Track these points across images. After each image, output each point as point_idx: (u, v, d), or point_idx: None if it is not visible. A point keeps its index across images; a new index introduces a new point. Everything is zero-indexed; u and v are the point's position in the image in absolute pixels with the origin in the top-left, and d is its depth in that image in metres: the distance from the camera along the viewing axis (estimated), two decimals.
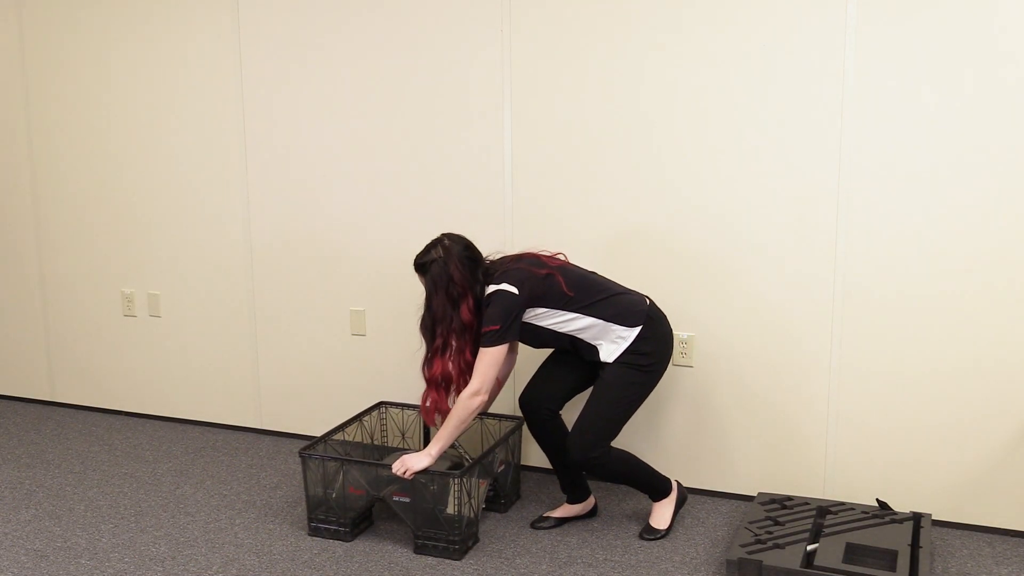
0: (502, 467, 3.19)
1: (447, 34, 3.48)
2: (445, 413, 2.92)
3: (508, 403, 3.63)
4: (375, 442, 3.52)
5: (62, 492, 3.46)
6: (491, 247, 3.48)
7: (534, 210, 3.46)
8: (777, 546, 2.76)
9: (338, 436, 3.29)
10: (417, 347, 3.72)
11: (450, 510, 2.86)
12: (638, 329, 2.88)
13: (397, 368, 3.80)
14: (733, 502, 3.34)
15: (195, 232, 4.07)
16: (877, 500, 3.06)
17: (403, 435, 3.56)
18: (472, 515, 2.95)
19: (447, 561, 2.88)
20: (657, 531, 3.03)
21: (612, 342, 2.88)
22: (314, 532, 3.07)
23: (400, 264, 3.72)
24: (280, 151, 3.85)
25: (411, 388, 3.78)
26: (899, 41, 2.91)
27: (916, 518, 2.95)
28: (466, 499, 2.89)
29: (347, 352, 3.88)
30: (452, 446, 3.19)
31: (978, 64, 2.84)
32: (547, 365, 3.09)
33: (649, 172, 3.27)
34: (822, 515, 3.00)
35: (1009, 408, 2.97)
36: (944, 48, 2.87)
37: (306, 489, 3.04)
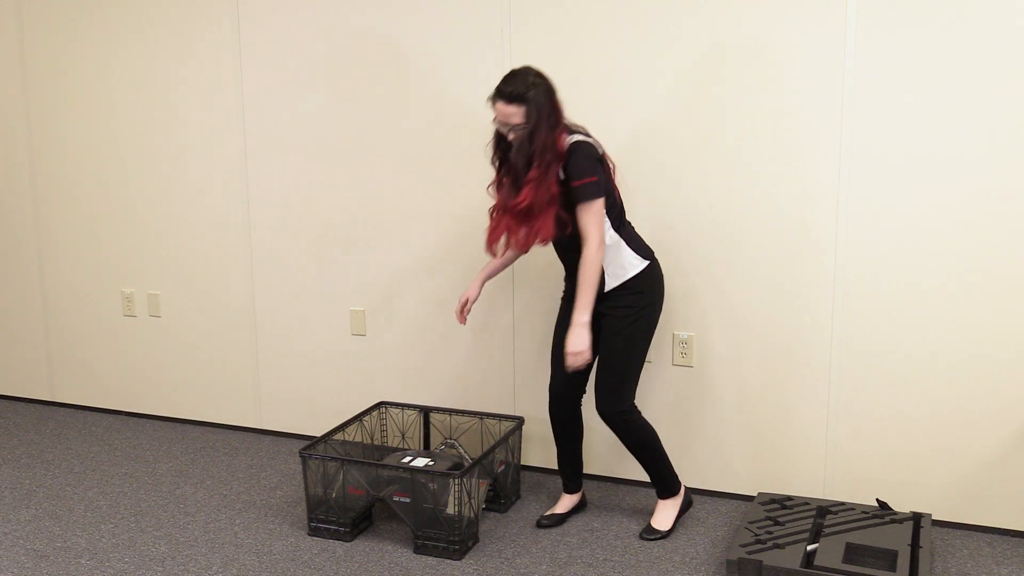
0: (502, 467, 3.19)
1: (448, 34, 3.48)
2: (509, 244, 2.89)
3: (508, 403, 3.63)
4: (375, 442, 3.52)
5: (62, 492, 3.46)
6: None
7: None
8: (777, 546, 2.76)
9: (338, 436, 3.29)
10: (417, 342, 3.72)
11: (450, 510, 2.86)
12: (645, 264, 2.90)
13: (397, 368, 3.80)
14: (733, 502, 3.33)
15: (195, 232, 4.07)
16: (877, 500, 3.06)
17: (403, 435, 3.56)
18: (472, 515, 2.95)
19: (447, 561, 2.88)
20: (658, 532, 3.03)
21: (620, 266, 2.88)
22: (314, 532, 3.07)
23: (400, 264, 3.72)
24: (280, 151, 3.85)
25: (411, 388, 3.78)
26: (900, 41, 2.91)
27: (916, 518, 2.95)
28: (466, 499, 2.89)
29: (347, 352, 3.88)
30: (451, 446, 3.19)
31: (978, 64, 2.84)
32: (558, 352, 3.07)
33: (649, 172, 3.27)
34: (822, 515, 3.00)
35: (1009, 408, 2.97)
36: (944, 48, 2.87)
37: (306, 489, 3.04)
